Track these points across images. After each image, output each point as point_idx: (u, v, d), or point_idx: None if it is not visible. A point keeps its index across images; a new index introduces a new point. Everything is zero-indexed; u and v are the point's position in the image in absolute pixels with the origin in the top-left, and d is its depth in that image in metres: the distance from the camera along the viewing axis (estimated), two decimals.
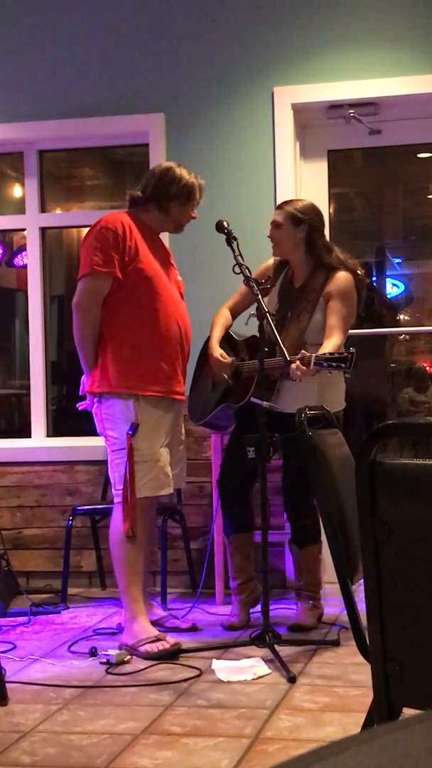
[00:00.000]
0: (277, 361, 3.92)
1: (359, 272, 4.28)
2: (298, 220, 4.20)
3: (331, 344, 3.98)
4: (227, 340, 4.38)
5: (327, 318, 4.12)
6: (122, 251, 3.93)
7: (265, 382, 3.95)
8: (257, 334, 4.15)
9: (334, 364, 3.75)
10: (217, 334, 4.35)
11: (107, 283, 3.94)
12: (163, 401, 4.01)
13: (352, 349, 3.82)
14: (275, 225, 4.25)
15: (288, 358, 3.73)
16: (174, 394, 4.06)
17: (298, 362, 3.76)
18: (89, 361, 4.00)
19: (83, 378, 4.08)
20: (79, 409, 4.16)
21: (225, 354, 4.26)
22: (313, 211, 4.26)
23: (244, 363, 4.29)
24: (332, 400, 4.09)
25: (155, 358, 3.98)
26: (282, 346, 3.74)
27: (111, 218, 4.02)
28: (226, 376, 4.25)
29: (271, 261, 4.39)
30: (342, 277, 4.18)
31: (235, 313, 4.44)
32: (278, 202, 4.77)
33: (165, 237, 4.35)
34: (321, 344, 4.00)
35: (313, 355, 3.75)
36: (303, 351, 3.79)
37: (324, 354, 3.79)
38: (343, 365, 3.74)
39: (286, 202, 4.34)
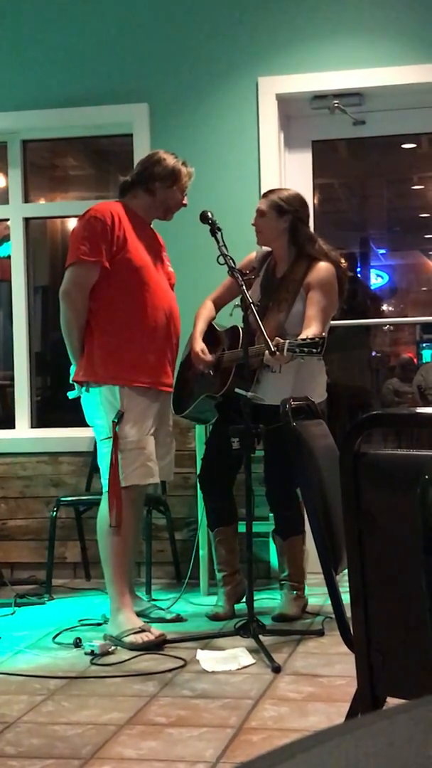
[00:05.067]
0: (256, 349, 3.92)
1: (342, 263, 4.28)
2: (283, 211, 4.20)
3: (307, 334, 3.99)
4: (209, 332, 4.37)
5: (306, 309, 4.12)
6: (110, 241, 3.92)
7: (245, 372, 3.96)
8: (238, 325, 4.16)
9: (305, 349, 3.76)
10: (200, 327, 4.35)
11: (94, 272, 3.93)
12: (150, 390, 4.01)
13: (323, 334, 3.83)
14: (259, 213, 4.25)
15: (272, 349, 3.73)
16: (161, 386, 4.06)
17: (273, 349, 3.77)
18: (76, 350, 3.99)
19: (72, 367, 4.08)
20: (69, 398, 4.15)
21: (206, 350, 4.25)
22: (298, 201, 4.26)
23: (223, 353, 4.29)
24: (312, 391, 4.10)
25: (142, 349, 3.97)
26: (266, 336, 3.74)
27: (100, 207, 4.02)
28: (204, 369, 4.25)
29: (254, 254, 4.38)
30: (323, 267, 4.17)
31: (219, 305, 4.44)
32: (263, 192, 4.75)
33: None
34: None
35: (286, 341, 3.75)
36: (277, 338, 3.79)
37: (296, 340, 3.80)
38: (314, 350, 3.75)
39: (271, 191, 4.33)
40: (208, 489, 4.35)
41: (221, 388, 4.19)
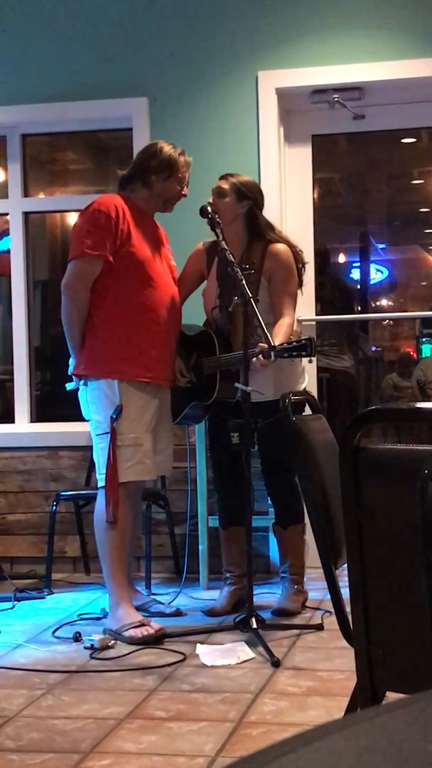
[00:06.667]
0: (238, 355, 3.90)
1: (298, 249, 4.24)
2: (243, 195, 4.16)
3: (284, 325, 3.99)
4: (179, 339, 4.26)
5: (274, 297, 4.10)
6: (114, 234, 3.90)
7: (228, 373, 3.96)
8: (207, 329, 4.15)
9: (294, 353, 3.77)
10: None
11: (97, 266, 3.91)
12: (149, 386, 4.00)
13: (311, 336, 3.83)
14: (219, 193, 4.16)
15: (272, 343, 3.72)
16: (163, 380, 4.05)
17: (260, 356, 3.77)
18: (76, 343, 3.98)
19: (71, 359, 4.07)
20: (67, 389, 4.14)
21: (184, 371, 4.18)
22: (257, 189, 4.25)
23: (201, 360, 4.24)
24: (295, 381, 4.13)
25: (144, 343, 3.96)
26: (266, 331, 3.72)
27: (104, 200, 3.99)
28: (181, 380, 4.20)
29: (201, 245, 4.35)
30: (281, 249, 4.15)
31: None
32: (263, 187, 4.76)
33: None
34: (271, 323, 3.98)
35: (273, 349, 3.73)
36: (261, 344, 3.77)
37: (282, 345, 3.79)
38: (303, 353, 3.76)
39: (230, 174, 4.25)
40: (222, 488, 4.33)
41: (210, 396, 4.16)
